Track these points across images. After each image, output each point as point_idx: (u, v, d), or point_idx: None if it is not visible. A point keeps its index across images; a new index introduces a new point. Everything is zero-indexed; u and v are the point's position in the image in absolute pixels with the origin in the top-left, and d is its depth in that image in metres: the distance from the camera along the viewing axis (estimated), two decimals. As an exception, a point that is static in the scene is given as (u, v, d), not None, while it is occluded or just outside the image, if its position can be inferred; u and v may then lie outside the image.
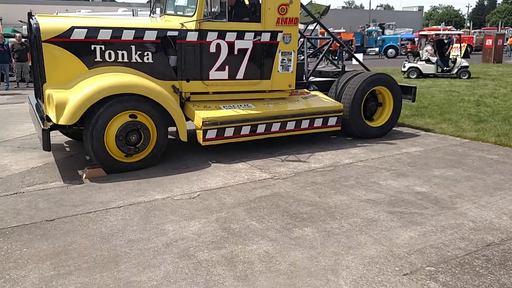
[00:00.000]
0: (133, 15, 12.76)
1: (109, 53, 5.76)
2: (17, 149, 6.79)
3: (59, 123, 5.24)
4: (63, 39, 5.51)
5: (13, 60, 15.32)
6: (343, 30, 39.33)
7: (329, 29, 8.60)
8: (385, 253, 3.53)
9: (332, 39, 8.41)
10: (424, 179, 5.35)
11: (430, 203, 4.59)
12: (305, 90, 7.49)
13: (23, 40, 16.07)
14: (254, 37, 6.43)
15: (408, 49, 31.82)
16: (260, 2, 6.47)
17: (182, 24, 6.05)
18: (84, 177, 5.43)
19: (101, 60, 5.74)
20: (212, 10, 5.75)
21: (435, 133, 7.80)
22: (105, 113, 5.40)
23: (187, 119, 6.23)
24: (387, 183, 5.21)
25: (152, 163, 5.87)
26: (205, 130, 6.02)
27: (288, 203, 4.61)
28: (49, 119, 5.48)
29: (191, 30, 6.05)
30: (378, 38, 38.46)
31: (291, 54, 6.76)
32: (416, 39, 39.60)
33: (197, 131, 6.12)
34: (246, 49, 6.44)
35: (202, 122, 5.98)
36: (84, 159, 6.26)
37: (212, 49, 6.23)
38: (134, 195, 4.87)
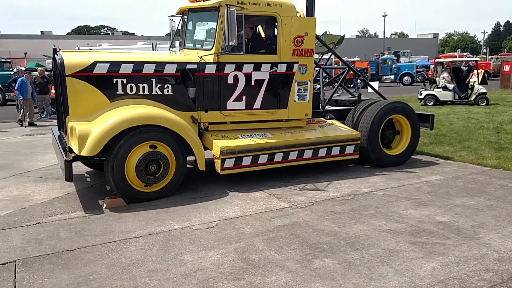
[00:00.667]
0: (153, 49, 13.15)
1: (130, 86, 5.94)
2: (39, 180, 6.94)
3: (81, 154, 5.37)
4: (86, 73, 5.71)
5: (35, 93, 15.85)
6: (358, 59, 39.58)
7: (343, 58, 8.70)
8: (408, 285, 3.46)
9: (347, 68, 8.49)
10: (445, 208, 5.26)
11: (452, 233, 4.50)
12: (322, 118, 7.53)
13: (45, 73, 16.67)
14: (271, 68, 6.56)
15: (429, 75, 31.80)
16: (276, 34, 6.63)
17: (200, 58, 6.22)
18: (104, 207, 5.51)
19: (122, 93, 5.91)
20: (230, 43, 5.90)
21: (454, 161, 7.70)
22: (126, 144, 5.51)
23: (205, 148, 6.31)
24: (407, 212, 5.14)
25: (171, 193, 5.92)
26: (223, 159, 6.08)
27: (307, 233, 4.58)
28: (71, 151, 5.63)
29: (210, 63, 6.21)
30: (393, 66, 38.57)
31: (307, 84, 6.85)
32: (431, 66, 39.75)
33: (215, 160, 6.18)
34: (263, 80, 6.56)
35: (220, 151, 6.05)
36: (105, 189, 6.35)
37: (230, 80, 6.36)
38: (153, 224, 4.90)
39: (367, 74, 33.83)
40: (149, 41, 35.96)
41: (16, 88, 14.63)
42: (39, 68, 17.44)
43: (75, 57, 5.91)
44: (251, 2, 6.35)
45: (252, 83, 6.49)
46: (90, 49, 18.19)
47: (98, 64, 5.76)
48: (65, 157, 5.45)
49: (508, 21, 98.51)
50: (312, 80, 6.93)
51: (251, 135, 6.52)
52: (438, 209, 5.25)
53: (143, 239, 4.50)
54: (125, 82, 5.91)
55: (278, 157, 6.48)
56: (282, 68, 6.63)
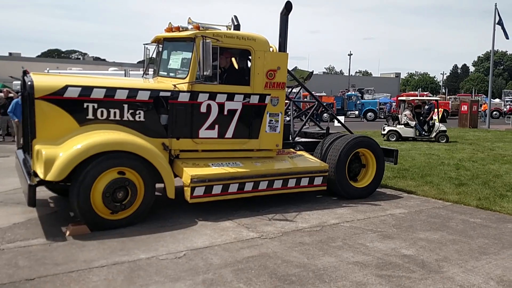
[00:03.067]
0: (125, 75, 13.09)
1: (101, 111, 5.87)
2: (-2, 204, 6.64)
3: (47, 179, 5.20)
4: (57, 97, 5.62)
5: (-1, 114, 15.34)
6: (324, 94, 40.74)
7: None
8: (376, 317, 3.49)
9: (317, 102, 8.73)
10: (410, 241, 5.39)
11: (417, 266, 4.61)
12: (292, 150, 7.65)
13: (10, 95, 16.17)
14: (244, 99, 6.66)
15: (393, 111, 32.95)
16: (250, 67, 6.77)
17: (174, 86, 6.26)
18: (67, 234, 5.31)
19: (93, 117, 5.83)
20: (204, 73, 5.98)
21: (417, 196, 7.95)
22: (94, 170, 5.39)
23: (175, 175, 6.25)
24: (374, 245, 5.23)
25: (138, 221, 5.79)
26: (193, 187, 6.04)
27: (276, 264, 4.57)
28: (36, 175, 5.45)
29: (183, 91, 6.25)
30: (358, 102, 39.95)
31: (278, 115, 6.98)
32: (393, 104, 41.33)
33: (185, 188, 6.12)
34: (236, 110, 6.64)
35: (191, 179, 6.01)
36: (69, 216, 6.14)
37: (203, 109, 6.41)
38: (118, 254, 4.76)
39: (333, 109, 34.79)
40: (121, 67, 35.73)
41: None
42: (4, 89, 16.93)
43: (45, 79, 5.81)
44: (226, 35, 6.51)
45: (225, 113, 6.56)
46: (59, 73, 17.86)
47: (69, 88, 5.68)
48: (29, 181, 5.26)
49: (464, 64, 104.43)
50: (283, 112, 7.08)
51: (222, 163, 6.53)
52: (403, 242, 5.37)
53: (107, 269, 4.36)
54: (96, 107, 5.84)
55: (249, 186, 6.50)
56: (254, 100, 6.74)
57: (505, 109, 46.02)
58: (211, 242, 5.22)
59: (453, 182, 8.89)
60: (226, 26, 6.97)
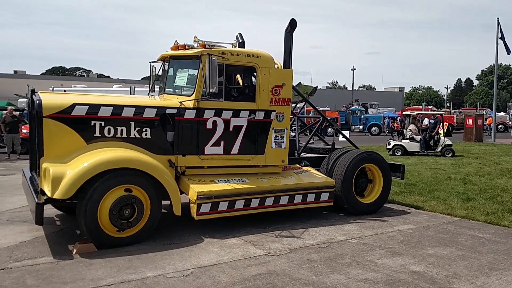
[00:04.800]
0: (131, 93, 13.21)
1: (108, 129, 5.91)
2: (5, 222, 6.65)
3: (54, 197, 5.22)
4: (64, 115, 5.67)
5: (4, 132, 15.46)
6: (328, 109, 40.84)
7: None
8: (387, 336, 3.44)
9: (322, 117, 8.76)
10: (418, 258, 5.34)
11: (427, 283, 4.55)
12: (297, 165, 7.64)
13: (15, 113, 16.36)
14: (249, 115, 6.69)
15: (396, 127, 33.05)
16: (255, 83, 6.82)
17: (180, 103, 6.31)
18: (74, 252, 5.30)
19: (100, 135, 5.87)
20: (210, 90, 6.03)
21: (425, 211, 7.89)
22: (100, 188, 5.40)
23: (181, 192, 6.25)
24: (382, 261, 5.18)
25: (144, 238, 5.78)
26: (199, 204, 6.03)
27: (284, 282, 4.53)
28: (43, 193, 5.47)
29: (189, 108, 6.30)
30: (362, 116, 39.99)
31: (284, 131, 7.00)
32: (398, 118, 41.36)
33: (191, 205, 6.11)
34: (241, 126, 6.66)
35: (197, 196, 6.01)
36: (75, 233, 6.14)
37: (209, 125, 6.44)
38: (125, 272, 4.74)
39: (338, 123, 34.85)
40: (124, 84, 36.05)
41: None
42: (9, 107, 17.10)
43: (53, 98, 5.88)
44: (231, 52, 6.58)
45: (231, 129, 6.58)
46: (64, 91, 18.05)
47: (77, 106, 5.74)
48: (36, 200, 5.28)
49: (468, 78, 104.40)
50: (288, 127, 7.09)
51: (228, 180, 6.53)
52: (412, 258, 5.31)
53: (115, 287, 4.33)
54: (103, 124, 5.89)
55: (255, 202, 6.48)
56: (260, 116, 6.77)
57: (510, 123, 45.84)
58: (218, 259, 5.19)
59: (460, 197, 8.82)
60: (232, 44, 7.05)
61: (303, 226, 6.71)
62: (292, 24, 7.19)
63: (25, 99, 30.48)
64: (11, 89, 41.24)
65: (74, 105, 5.74)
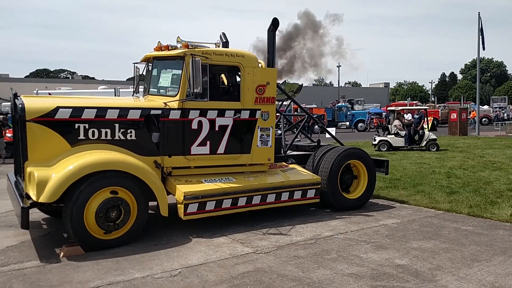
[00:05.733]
0: (115, 94, 13.12)
1: (93, 131, 5.90)
2: (-10, 228, 6.59)
3: (40, 201, 5.20)
4: (48, 119, 5.64)
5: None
6: (315, 106, 41.01)
7: (302, 105, 9.05)
8: (371, 329, 3.51)
9: (307, 115, 8.83)
10: (403, 251, 5.44)
11: (411, 276, 4.65)
12: (284, 163, 7.70)
13: (-1, 117, 16.18)
14: (234, 115, 6.73)
15: (375, 124, 33.47)
16: (239, 83, 6.86)
17: (165, 104, 6.31)
18: (61, 255, 5.29)
19: (84, 138, 5.86)
20: (194, 91, 6.06)
21: (409, 205, 8.01)
22: (86, 190, 5.40)
23: (168, 193, 6.26)
24: (368, 256, 5.27)
25: (132, 240, 5.78)
26: (187, 204, 6.05)
27: (271, 279, 4.58)
28: (28, 197, 5.44)
29: (174, 109, 6.31)
30: (348, 113, 40.28)
31: (269, 129, 7.05)
32: (383, 114, 41.74)
33: (178, 205, 6.13)
34: (227, 126, 6.70)
35: (184, 196, 6.03)
36: (62, 237, 6.12)
37: (194, 126, 6.46)
38: (112, 274, 4.75)
39: (324, 120, 35.05)
40: (110, 85, 35.74)
41: None
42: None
43: (36, 102, 5.84)
44: (215, 52, 6.60)
45: (216, 129, 6.61)
46: (49, 93, 17.86)
47: (60, 109, 5.72)
48: (21, 204, 5.25)
49: (452, 72, 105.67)
50: (274, 126, 7.15)
51: (215, 179, 6.56)
52: (396, 252, 5.41)
53: (103, 289, 4.35)
54: (87, 127, 5.87)
55: (242, 201, 6.53)
56: (245, 115, 6.81)
57: (493, 116, 46.59)
58: (206, 259, 5.22)
59: (444, 190, 8.98)
60: (215, 44, 7.07)
61: (290, 223, 6.78)
62: (275, 23, 7.25)
63: (9, 103, 30.08)
64: (-6, 93, 40.55)
65: (57, 108, 5.71)
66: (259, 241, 5.87)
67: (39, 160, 5.57)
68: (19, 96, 5.96)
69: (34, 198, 5.27)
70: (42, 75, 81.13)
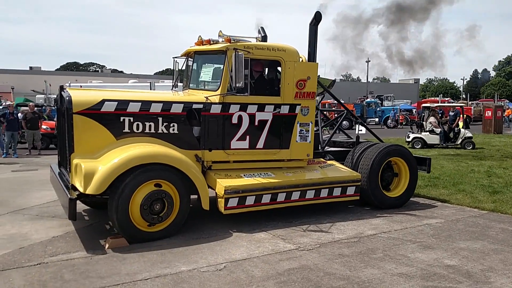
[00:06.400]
0: (151, 88, 13.24)
1: (137, 125, 5.95)
2: (35, 218, 6.75)
3: (87, 192, 5.28)
4: (94, 111, 5.72)
5: (25, 128, 15.69)
6: (343, 101, 40.51)
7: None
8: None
9: (346, 111, 8.70)
10: (451, 251, 5.28)
11: (463, 277, 4.51)
12: (322, 159, 7.60)
13: (35, 109, 16.60)
14: (274, 110, 6.67)
15: (401, 120, 32.93)
16: (280, 77, 6.79)
17: (206, 98, 6.31)
18: (107, 247, 5.36)
19: (129, 131, 5.91)
20: (237, 85, 6.03)
21: (452, 204, 7.79)
22: (132, 183, 5.45)
23: (208, 187, 6.27)
24: (415, 256, 5.14)
25: (174, 233, 5.82)
26: (227, 198, 6.04)
27: (319, 276, 4.52)
28: (75, 188, 5.54)
29: (215, 103, 6.30)
30: (378, 109, 39.63)
31: (309, 125, 6.96)
32: (414, 110, 40.93)
33: (219, 199, 6.13)
34: (266, 120, 6.64)
35: (225, 190, 6.02)
36: (104, 228, 6.21)
37: (234, 120, 6.44)
38: (159, 266, 4.79)
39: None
40: (139, 79, 36.27)
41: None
42: (30, 104, 17.34)
43: (83, 94, 5.93)
44: (257, 46, 6.55)
45: (256, 123, 6.57)
46: (80, 86, 18.23)
47: (106, 102, 5.79)
48: (69, 195, 5.34)
49: (485, 69, 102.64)
50: (313, 121, 7.05)
51: (254, 174, 6.52)
52: (444, 252, 5.26)
53: (151, 282, 4.38)
54: (132, 120, 5.93)
55: (281, 197, 6.48)
56: (285, 110, 6.74)
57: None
58: (249, 254, 5.20)
59: (486, 190, 8.70)
60: (256, 38, 7.01)
61: (330, 220, 6.69)
62: (317, 17, 7.13)
63: (42, 95, 30.93)
64: (27, 85, 41.84)
65: (103, 101, 5.78)
66: (300, 238, 5.81)
67: (85, 152, 5.65)
68: (65, 88, 6.06)
69: (81, 189, 5.35)
70: (72, 68, 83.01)
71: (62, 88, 6.12)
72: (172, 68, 7.90)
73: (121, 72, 76.53)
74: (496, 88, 79.59)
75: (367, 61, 64.06)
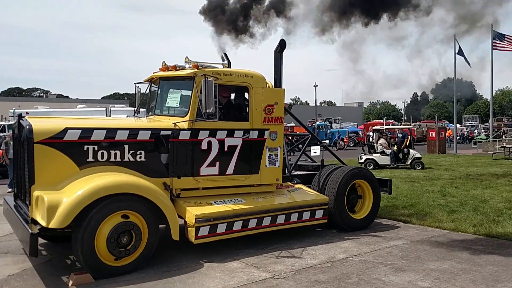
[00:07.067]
0: (106, 113, 12.76)
1: (102, 153, 5.69)
2: (-14, 255, 6.20)
3: (50, 226, 4.93)
4: (56, 140, 5.41)
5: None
6: (293, 124, 41.35)
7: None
8: None
9: (310, 135, 8.84)
10: (422, 273, 5.39)
11: (439, 298, 4.59)
12: (289, 183, 7.62)
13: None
14: (243, 135, 6.64)
15: (345, 142, 34.28)
16: (247, 103, 6.80)
17: (175, 124, 6.17)
18: (70, 284, 5.01)
19: (93, 160, 5.64)
20: (207, 111, 5.96)
21: (413, 224, 8.01)
22: (98, 215, 5.16)
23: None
24: (389, 279, 5.19)
25: (143, 266, 5.55)
26: (198, 227, 5.87)
27: (300, 305, 4.44)
28: (35, 222, 5.16)
29: (184, 129, 6.17)
30: (328, 131, 40.87)
31: (277, 149, 6.98)
32: (360, 132, 42.64)
33: (189, 228, 5.93)
34: (236, 146, 6.59)
35: (195, 218, 5.84)
36: (65, 263, 5.82)
37: (204, 146, 6.33)
38: (130, 303, 4.51)
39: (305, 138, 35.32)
40: (87, 104, 35.05)
41: None
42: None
43: (44, 123, 5.61)
44: (224, 73, 6.54)
45: (225, 149, 6.50)
46: (27, 113, 17.31)
47: (69, 130, 5.50)
48: (30, 230, 4.96)
49: (424, 92, 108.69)
50: (282, 146, 7.08)
51: (224, 200, 6.41)
52: (416, 274, 5.36)
53: (126, 321, 4.11)
54: (96, 149, 5.66)
55: (253, 223, 6.39)
56: (254, 135, 6.73)
57: (465, 134, 48.05)
58: (224, 285, 5.04)
59: (444, 209, 9.04)
60: (222, 64, 7.00)
61: (301, 245, 6.66)
62: (282, 44, 7.26)
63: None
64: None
65: (66, 129, 5.48)
66: (274, 265, 5.72)
67: (47, 184, 5.31)
68: (24, 117, 5.71)
69: (43, 223, 4.99)
70: (15, 94, 79.14)
71: (20, 117, 5.77)
72: (135, 93, 7.69)
73: (67, 97, 73.89)
74: (435, 110, 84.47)
75: (315, 86, 66.13)
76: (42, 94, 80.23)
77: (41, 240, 6.67)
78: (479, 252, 6.21)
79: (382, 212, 8.99)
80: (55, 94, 74.53)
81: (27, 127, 5.34)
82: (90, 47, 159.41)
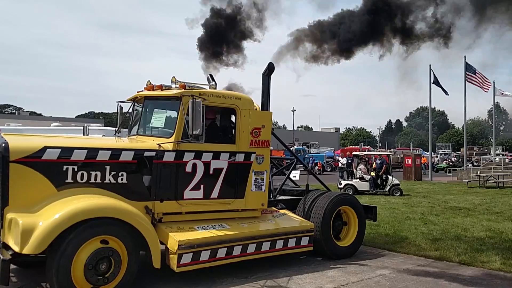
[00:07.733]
0: (84, 132, 12.36)
1: (82, 174, 5.41)
2: (-51, 282, 5.73)
3: (24, 252, 4.59)
4: (34, 159, 5.12)
5: None
6: (272, 148, 41.44)
7: None
8: None
9: (296, 159, 8.73)
10: (413, 303, 5.25)
11: (433, 331, 4.45)
12: (274, 208, 7.44)
13: None
14: (229, 158, 6.46)
15: (319, 167, 34.57)
16: (233, 125, 6.66)
17: (159, 145, 5.96)
18: (43, 316, 4.65)
19: (72, 181, 5.35)
20: (194, 132, 5.78)
21: (398, 253, 7.90)
22: (76, 240, 4.86)
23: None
24: (380, 309, 5.03)
25: (122, 295, 5.22)
26: (180, 254, 5.60)
27: None
28: (7, 247, 4.81)
29: (169, 151, 5.96)
30: (306, 156, 41.03)
31: (263, 173, 6.82)
32: (338, 157, 43.09)
33: (171, 255, 5.65)
34: (222, 169, 6.40)
35: (178, 245, 5.58)
36: (37, 292, 5.43)
37: (189, 168, 6.12)
38: (108, 337, 4.19)
39: (283, 162, 35.29)
40: (61, 122, 34.17)
41: None
42: None
43: (21, 141, 5.31)
44: (212, 94, 6.40)
45: (211, 172, 6.29)
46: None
47: (48, 149, 5.21)
48: (1, 256, 4.61)
49: (398, 120, 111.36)
50: (268, 170, 6.92)
51: (208, 226, 6.16)
52: (407, 305, 5.22)
53: None
54: (76, 169, 5.38)
55: (237, 250, 6.15)
56: (240, 158, 6.56)
57: (437, 161, 48.99)
58: (209, 316, 4.77)
59: (427, 237, 9.00)
60: (209, 85, 6.87)
61: (286, 273, 6.44)
62: (270, 68, 7.20)
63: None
64: None
65: (45, 148, 5.20)
66: (260, 295, 5.49)
67: (21, 205, 4.98)
68: (-1, 134, 5.40)
69: (16, 249, 4.65)
70: (-15, 111, 76.94)
71: (-5, 133, 5.45)
72: (117, 112, 7.45)
73: (40, 114, 72.24)
74: (409, 138, 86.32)
75: (293, 110, 66.77)
76: (14, 111, 78.33)
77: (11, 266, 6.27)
78: (468, 283, 6.13)
79: (366, 239, 8.83)
80: (28, 111, 72.85)
81: (3, 144, 5.04)
82: (65, 65, 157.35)
